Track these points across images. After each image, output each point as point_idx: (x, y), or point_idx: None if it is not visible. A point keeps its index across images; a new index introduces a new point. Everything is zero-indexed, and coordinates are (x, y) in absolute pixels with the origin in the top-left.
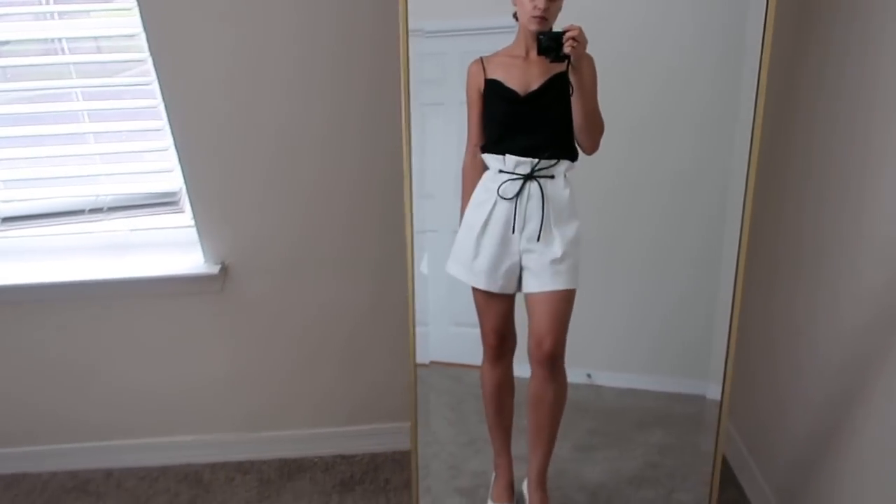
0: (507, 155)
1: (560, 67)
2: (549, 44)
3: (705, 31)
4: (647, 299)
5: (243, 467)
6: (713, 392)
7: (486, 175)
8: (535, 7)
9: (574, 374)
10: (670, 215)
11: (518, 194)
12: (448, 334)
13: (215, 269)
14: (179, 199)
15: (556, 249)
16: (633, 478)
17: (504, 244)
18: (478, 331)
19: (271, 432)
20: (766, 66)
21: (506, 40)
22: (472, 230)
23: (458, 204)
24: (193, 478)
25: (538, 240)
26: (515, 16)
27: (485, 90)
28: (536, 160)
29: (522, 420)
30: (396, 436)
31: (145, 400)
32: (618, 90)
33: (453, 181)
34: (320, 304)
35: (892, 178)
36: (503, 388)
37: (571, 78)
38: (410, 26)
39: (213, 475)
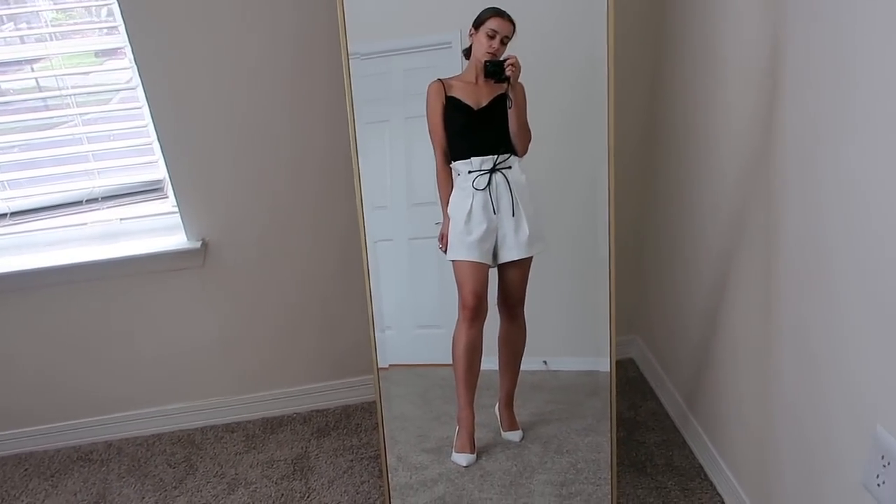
0: (473, 157)
1: (502, 88)
2: (494, 68)
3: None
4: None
5: (230, 427)
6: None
7: (458, 179)
8: (490, 46)
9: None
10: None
11: (488, 184)
12: (410, 337)
13: (197, 245)
14: (164, 186)
15: (525, 228)
16: (581, 429)
17: (488, 225)
18: (437, 331)
19: (255, 393)
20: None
21: (439, 56)
22: (459, 220)
23: (409, 212)
24: (186, 440)
25: (513, 215)
26: (465, 52)
27: (446, 106)
28: (496, 156)
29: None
30: (368, 387)
31: (138, 373)
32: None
33: (404, 192)
34: (294, 273)
35: (740, 120)
36: (475, 347)
37: (510, 95)
38: (349, 49)
39: (203, 436)
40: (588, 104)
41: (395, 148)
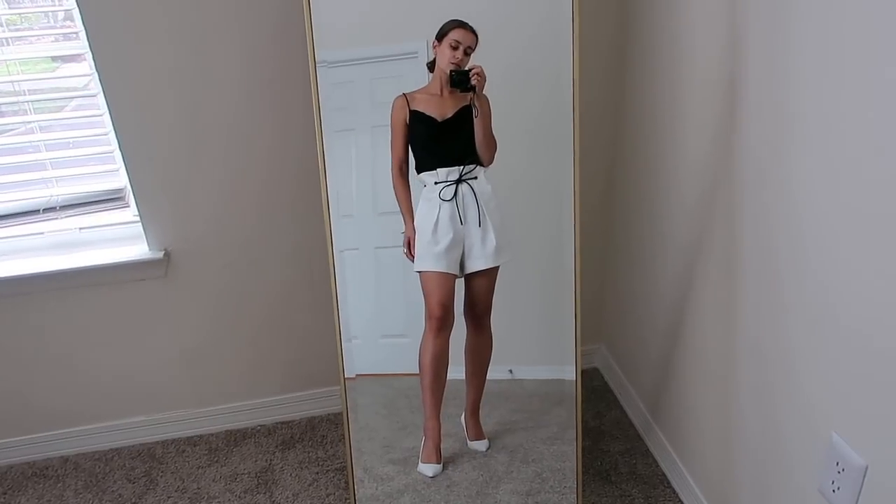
0: (439, 168)
1: (467, 99)
2: (459, 77)
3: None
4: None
5: (192, 440)
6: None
7: (424, 190)
8: (454, 57)
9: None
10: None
11: (455, 195)
12: (376, 346)
13: (159, 255)
14: (125, 195)
15: (492, 238)
16: (547, 438)
17: (454, 235)
18: (403, 341)
19: (217, 406)
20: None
21: (404, 66)
22: (427, 231)
23: (374, 221)
24: (147, 453)
25: (480, 225)
26: (429, 65)
27: (410, 119)
28: (462, 167)
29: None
30: (333, 399)
31: (96, 386)
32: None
33: (370, 201)
34: (259, 285)
35: (699, 115)
36: (442, 358)
37: (475, 104)
38: (317, 57)
39: (164, 450)
40: (554, 115)
41: (360, 156)
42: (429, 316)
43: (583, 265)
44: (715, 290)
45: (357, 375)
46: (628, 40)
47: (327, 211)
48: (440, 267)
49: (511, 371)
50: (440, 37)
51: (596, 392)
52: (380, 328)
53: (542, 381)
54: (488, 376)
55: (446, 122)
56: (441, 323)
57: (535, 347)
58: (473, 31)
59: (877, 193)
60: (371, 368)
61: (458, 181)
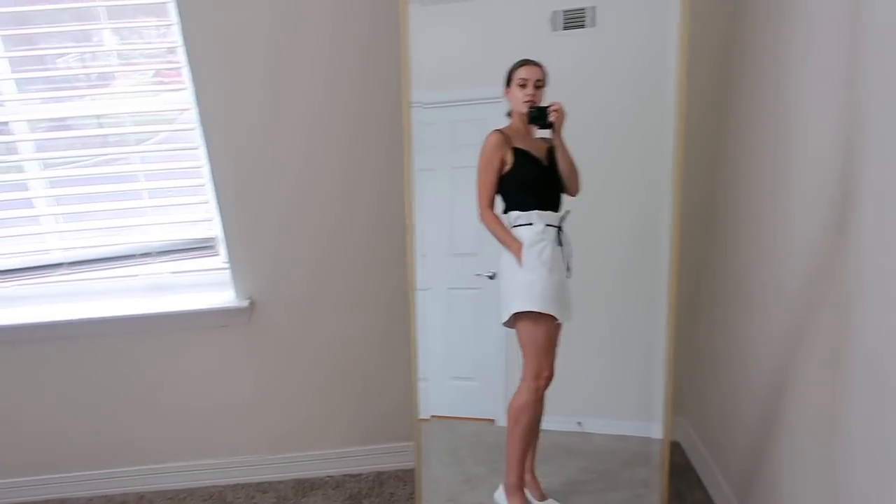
0: (549, 210)
1: (548, 142)
2: (537, 113)
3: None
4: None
5: (262, 487)
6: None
7: (534, 227)
8: (525, 95)
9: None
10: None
11: (562, 241)
12: (444, 388)
13: (245, 303)
14: (216, 244)
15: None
16: (620, 502)
17: (563, 281)
18: (470, 384)
19: (288, 454)
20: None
21: (485, 110)
22: (543, 271)
23: (450, 262)
24: (217, 497)
25: (568, 276)
26: (508, 115)
27: (514, 156)
28: (561, 213)
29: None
30: (400, 455)
31: (175, 426)
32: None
33: (446, 242)
34: (335, 335)
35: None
36: (538, 419)
37: (555, 141)
38: (411, 98)
39: (235, 495)
40: (648, 164)
41: (439, 197)
42: (536, 375)
43: (676, 323)
44: (821, 383)
45: (432, 416)
46: (731, 98)
47: (411, 249)
48: (557, 312)
49: (580, 423)
50: (507, 81)
51: (677, 469)
52: (449, 370)
53: (613, 437)
54: (556, 428)
55: (550, 162)
56: (547, 383)
57: (609, 399)
58: (539, 65)
59: None
60: (437, 411)
61: (559, 227)
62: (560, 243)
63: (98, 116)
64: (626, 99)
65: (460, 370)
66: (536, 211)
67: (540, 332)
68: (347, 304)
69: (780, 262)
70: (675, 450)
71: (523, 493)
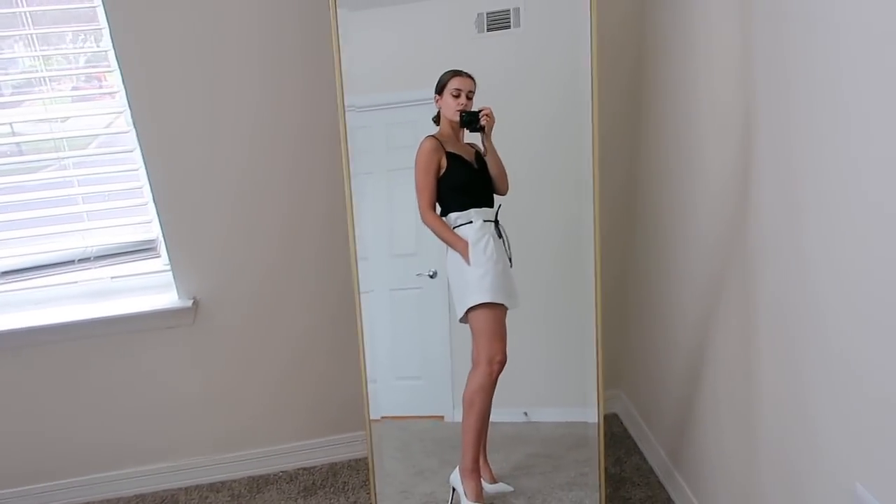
0: (484, 207)
1: (474, 145)
2: (469, 118)
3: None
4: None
5: (215, 487)
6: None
7: (474, 225)
8: (458, 104)
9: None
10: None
11: (501, 234)
12: (391, 389)
13: (188, 303)
14: (156, 245)
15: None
16: (565, 484)
17: (505, 271)
18: (418, 383)
19: (241, 452)
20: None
21: (418, 112)
22: (489, 264)
23: (391, 263)
24: (170, 500)
25: (511, 266)
26: (435, 119)
27: (448, 160)
28: (496, 209)
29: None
30: (353, 445)
31: (123, 431)
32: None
33: (385, 244)
34: (284, 333)
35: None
36: (491, 403)
37: (486, 143)
38: (345, 102)
39: (187, 497)
40: (570, 160)
41: (376, 199)
42: (490, 360)
43: (603, 311)
44: (734, 340)
45: (383, 417)
46: (646, 84)
47: (354, 254)
48: (505, 300)
49: (526, 413)
50: (439, 90)
51: (615, 438)
52: (395, 370)
53: (557, 424)
54: (504, 419)
55: (480, 165)
56: (503, 367)
57: (551, 390)
58: (470, 77)
59: (887, 250)
60: (387, 411)
61: (496, 221)
62: (500, 236)
63: (32, 122)
64: (551, 97)
65: (407, 370)
66: (473, 209)
67: (492, 319)
68: (294, 303)
69: (693, 239)
70: (614, 421)
71: (479, 476)
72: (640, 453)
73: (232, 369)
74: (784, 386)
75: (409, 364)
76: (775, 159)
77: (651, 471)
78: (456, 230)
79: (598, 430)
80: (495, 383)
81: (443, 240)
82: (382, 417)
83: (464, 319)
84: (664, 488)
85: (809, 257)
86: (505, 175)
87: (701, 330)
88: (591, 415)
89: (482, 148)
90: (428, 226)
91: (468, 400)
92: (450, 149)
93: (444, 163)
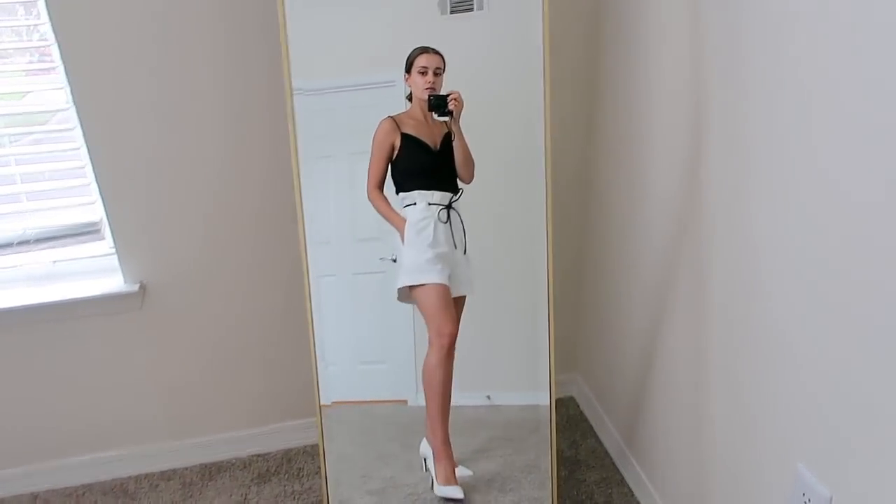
0: (434, 191)
1: (446, 127)
2: (437, 102)
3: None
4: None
5: (166, 475)
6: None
7: (412, 209)
8: (426, 82)
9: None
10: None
11: (449, 219)
12: (353, 373)
13: (134, 288)
14: (100, 227)
15: (470, 267)
16: (525, 466)
17: (448, 257)
18: (380, 367)
19: (192, 439)
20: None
21: (382, 95)
22: (423, 246)
23: (353, 247)
24: (119, 489)
25: (465, 252)
26: (409, 98)
27: (402, 142)
28: (451, 194)
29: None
30: (308, 431)
31: (68, 420)
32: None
33: (348, 227)
34: (235, 317)
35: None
36: (450, 378)
37: (453, 128)
38: (293, 85)
39: (137, 485)
40: (526, 150)
41: (339, 183)
42: (438, 333)
43: (558, 295)
44: (684, 326)
45: (333, 402)
46: (599, 77)
47: (303, 237)
48: (444, 280)
49: (489, 397)
50: (408, 67)
51: (572, 421)
52: (358, 354)
53: (521, 408)
54: (466, 402)
55: (441, 148)
56: (454, 340)
57: (512, 373)
58: (438, 53)
59: (824, 232)
60: (348, 395)
61: (449, 206)
62: (446, 221)
63: None
64: (512, 80)
65: (369, 354)
66: (418, 191)
67: (433, 295)
68: (246, 287)
69: (645, 227)
70: (570, 403)
71: (450, 457)
72: (596, 436)
73: (182, 355)
74: (731, 368)
75: (371, 348)
76: (727, 147)
77: (606, 453)
78: (402, 210)
79: (550, 413)
80: (450, 358)
81: (382, 216)
82: (333, 402)
83: (403, 299)
84: (618, 470)
85: (757, 246)
86: (470, 162)
87: (654, 316)
88: (546, 398)
89: (453, 134)
90: (371, 202)
91: (426, 380)
92: (407, 130)
93: (397, 143)
